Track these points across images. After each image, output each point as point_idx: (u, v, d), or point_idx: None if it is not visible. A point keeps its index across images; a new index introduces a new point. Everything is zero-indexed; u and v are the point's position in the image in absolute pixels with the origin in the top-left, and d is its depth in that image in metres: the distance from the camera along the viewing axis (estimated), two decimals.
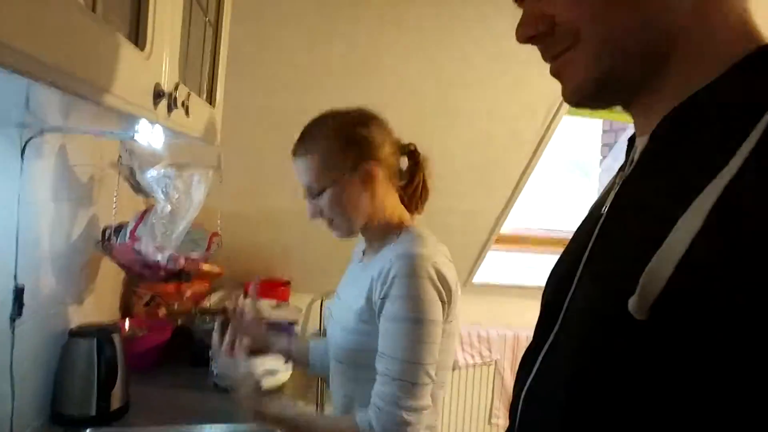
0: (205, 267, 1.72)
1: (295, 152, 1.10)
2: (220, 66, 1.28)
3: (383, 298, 0.99)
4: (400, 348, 0.95)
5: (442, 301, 0.99)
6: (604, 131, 3.36)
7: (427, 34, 1.72)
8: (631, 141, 0.54)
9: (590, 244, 0.50)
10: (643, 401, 0.37)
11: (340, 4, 1.62)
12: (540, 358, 0.51)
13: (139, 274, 1.46)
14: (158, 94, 0.78)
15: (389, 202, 1.10)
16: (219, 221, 1.59)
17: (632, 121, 0.52)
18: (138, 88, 0.72)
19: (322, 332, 2.43)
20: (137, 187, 1.48)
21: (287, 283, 2.28)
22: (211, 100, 1.26)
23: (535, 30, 0.48)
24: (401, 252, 1.01)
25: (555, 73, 0.50)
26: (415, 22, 1.68)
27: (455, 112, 1.94)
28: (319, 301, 2.48)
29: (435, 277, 0.98)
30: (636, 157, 0.49)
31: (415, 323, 0.96)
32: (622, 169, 0.53)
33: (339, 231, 1.11)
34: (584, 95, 0.48)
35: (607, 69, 0.46)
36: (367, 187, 1.06)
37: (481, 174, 2.14)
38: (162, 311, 1.73)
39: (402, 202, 1.14)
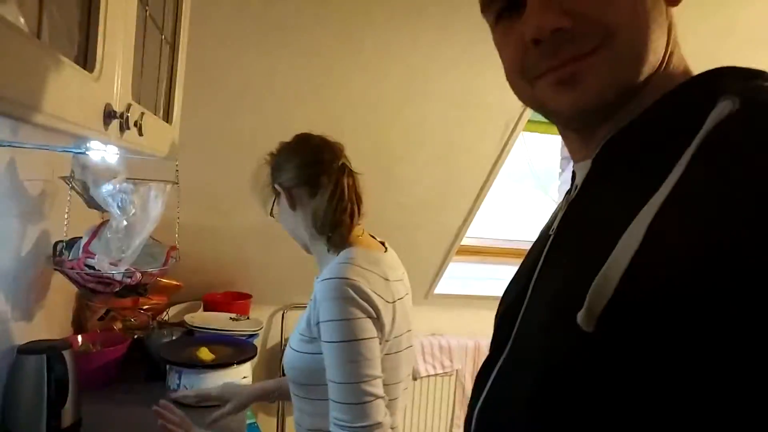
0: (163, 281, 1.71)
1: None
2: (177, 83, 1.28)
3: (317, 321, 1.02)
4: (334, 372, 0.98)
5: (370, 317, 1.01)
6: (562, 145, 3.45)
7: (386, 52, 1.75)
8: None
9: (539, 264, 0.52)
10: (599, 409, 0.38)
11: (299, 23, 1.64)
12: (493, 375, 0.53)
13: (93, 290, 1.44)
14: (109, 115, 0.78)
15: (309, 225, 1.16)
16: (177, 235, 1.58)
17: (570, 147, 0.55)
18: (87, 110, 0.73)
19: (282, 345, 2.43)
20: (91, 202, 1.46)
21: (247, 296, 2.27)
22: (168, 117, 1.26)
23: (562, 22, 0.44)
24: (326, 275, 1.04)
25: (569, 77, 0.45)
26: (373, 40, 1.71)
27: (414, 129, 1.98)
28: (280, 314, 2.47)
29: (355, 296, 0.99)
30: (579, 181, 0.52)
31: (344, 344, 0.98)
32: (568, 192, 0.57)
33: (304, 248, 1.24)
34: (603, 103, 0.46)
35: (630, 79, 0.45)
36: (306, 207, 1.15)
37: (441, 189, 2.18)
38: (117, 325, 1.71)
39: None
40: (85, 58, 0.74)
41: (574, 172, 0.57)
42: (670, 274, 0.36)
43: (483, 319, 2.67)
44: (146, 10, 1.02)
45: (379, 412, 0.96)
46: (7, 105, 0.51)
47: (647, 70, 0.45)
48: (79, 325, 1.74)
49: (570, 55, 0.45)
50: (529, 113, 1.98)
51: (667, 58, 0.47)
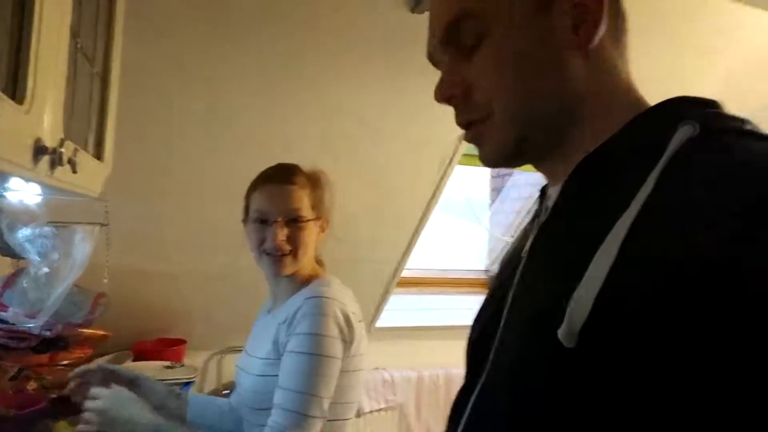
0: (88, 331, 1.56)
1: (287, 180, 1.15)
2: (109, 119, 1.21)
3: (288, 335, 1.05)
4: (295, 380, 1.00)
5: (344, 341, 1.06)
6: (492, 177, 3.58)
7: (326, 94, 1.76)
8: (543, 191, 0.59)
9: (513, 287, 0.53)
10: (582, 423, 0.40)
11: (236, 65, 1.62)
12: (472, 400, 0.53)
13: (5, 346, 1.29)
14: (39, 151, 0.72)
15: (312, 254, 1.20)
16: (106, 281, 1.46)
17: (544, 173, 0.57)
18: (15, 144, 0.66)
19: (221, 390, 2.30)
20: (6, 249, 1.33)
21: (181, 342, 2.13)
22: (99, 154, 1.18)
23: (454, 92, 0.52)
24: (310, 294, 1.08)
25: (470, 139, 0.54)
26: (311, 83, 1.72)
27: (354, 166, 1.98)
28: (216, 359, 2.34)
29: (340, 317, 1.06)
30: (550, 204, 0.54)
31: (314, 357, 1.01)
32: (537, 215, 0.59)
33: (291, 267, 1.14)
34: (500, 159, 0.54)
35: (519, 136, 0.52)
36: (320, 236, 1.19)
37: (381, 223, 2.19)
38: (32, 385, 1.53)
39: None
40: (14, 89, 0.67)
41: (542, 195, 0.59)
42: (643, 288, 0.37)
43: (424, 350, 2.68)
44: (77, 42, 0.96)
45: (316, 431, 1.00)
46: None
47: (544, 121, 0.51)
48: None
49: (465, 119, 0.53)
50: (465, 147, 2.04)
51: (591, 94, 0.50)
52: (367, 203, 2.09)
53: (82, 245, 1.39)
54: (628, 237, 0.39)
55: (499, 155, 0.53)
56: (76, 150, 0.84)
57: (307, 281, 1.16)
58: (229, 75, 1.65)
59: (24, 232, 1.31)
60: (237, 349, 2.30)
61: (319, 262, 1.24)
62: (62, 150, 0.76)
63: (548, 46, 0.50)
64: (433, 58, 0.56)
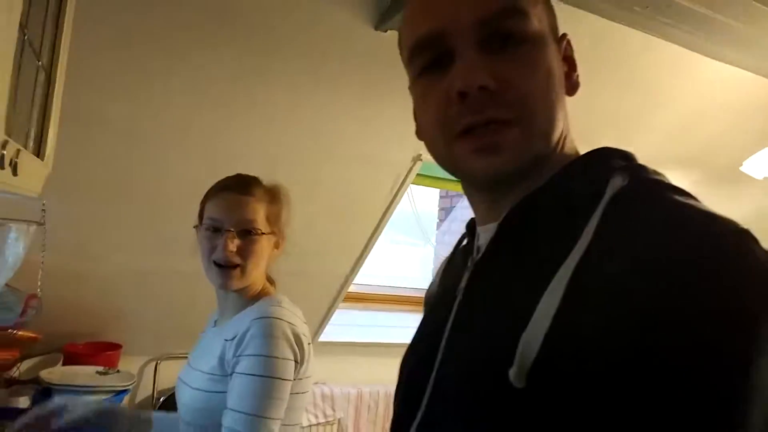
0: (18, 333, 1.50)
1: (245, 191, 1.12)
2: (52, 115, 1.18)
3: (238, 356, 1.02)
4: (247, 402, 0.98)
5: (296, 361, 1.05)
6: (441, 197, 3.65)
7: (281, 107, 1.77)
8: (470, 228, 0.61)
9: (449, 324, 0.53)
10: None
11: (193, 66, 1.59)
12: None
13: None
14: None
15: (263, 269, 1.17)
16: (39, 282, 1.41)
17: (483, 204, 0.57)
18: None
19: (154, 399, 2.23)
20: None
21: (117, 347, 2.07)
22: (39, 152, 1.14)
23: (489, 82, 0.47)
24: (260, 314, 1.06)
25: (484, 147, 0.48)
26: (267, 95, 1.72)
27: (307, 181, 1.99)
28: (153, 365, 2.28)
29: (291, 338, 1.04)
30: (485, 243, 0.54)
31: (266, 379, 0.99)
32: (468, 252, 0.59)
33: (239, 281, 1.11)
34: (513, 173, 0.49)
35: (538, 152, 0.50)
36: (273, 252, 1.17)
37: (331, 238, 2.20)
38: None
39: None
40: None
41: (471, 233, 0.60)
42: (588, 330, 0.39)
43: (366, 366, 2.69)
44: (25, 34, 0.94)
45: None
46: None
47: (552, 145, 0.51)
48: None
49: (491, 116, 0.47)
50: (419, 167, 2.09)
51: (562, 139, 0.53)
52: (318, 218, 2.10)
53: (16, 244, 1.34)
54: (573, 281, 0.41)
55: (514, 168, 0.49)
56: (18, 151, 0.82)
57: (256, 298, 1.14)
58: (180, 83, 1.63)
59: None
60: (174, 356, 2.25)
61: (269, 279, 1.21)
62: (4, 152, 0.75)
63: (561, 76, 0.52)
64: (440, 39, 0.50)
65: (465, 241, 0.63)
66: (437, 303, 0.64)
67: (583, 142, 0.55)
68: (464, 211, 3.43)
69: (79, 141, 1.60)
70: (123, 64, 1.54)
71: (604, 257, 0.41)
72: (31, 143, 1.11)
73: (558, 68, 0.52)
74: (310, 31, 1.61)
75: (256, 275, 1.13)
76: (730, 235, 0.39)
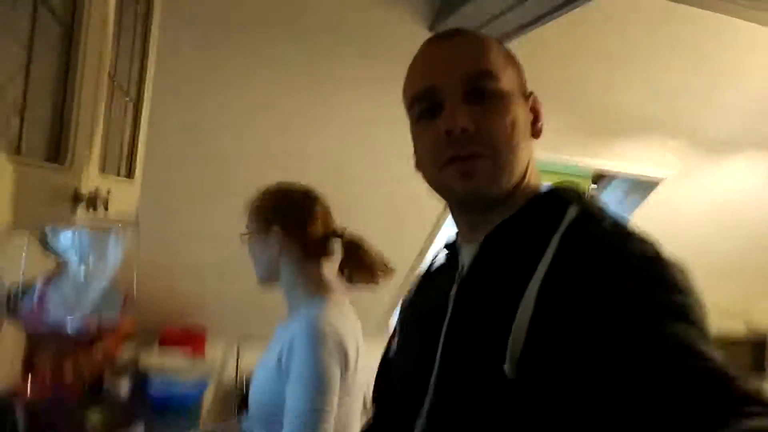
0: (119, 324, 1.70)
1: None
2: (140, 138, 1.30)
3: (287, 362, 1.07)
4: (296, 411, 1.02)
5: (341, 367, 1.08)
6: None
7: (352, 118, 1.84)
8: (451, 246, 0.74)
9: (444, 329, 0.64)
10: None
11: (268, 82, 1.70)
12: (421, 426, 0.62)
13: (45, 338, 1.43)
14: (76, 199, 0.81)
15: (307, 269, 1.20)
16: (135, 282, 1.59)
17: (467, 224, 0.70)
18: (56, 202, 0.76)
19: (237, 381, 2.43)
20: (48, 249, 1.46)
21: (202, 330, 2.27)
22: (130, 172, 1.27)
23: (468, 126, 0.61)
24: (306, 321, 1.09)
25: (462, 170, 0.62)
26: (340, 107, 1.81)
27: (369, 184, 2.07)
28: (235, 347, 2.48)
29: (334, 344, 1.07)
30: (466, 262, 0.67)
31: (310, 390, 1.03)
32: (453, 269, 0.70)
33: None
34: (483, 195, 0.63)
35: (504, 181, 0.63)
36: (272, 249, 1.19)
37: (390, 236, 2.29)
38: (68, 375, 1.68)
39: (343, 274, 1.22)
40: (57, 153, 0.76)
41: (454, 250, 0.73)
42: (557, 322, 0.52)
43: None
44: (113, 80, 1.05)
45: None
46: None
47: (515, 179, 0.64)
48: (28, 374, 1.71)
49: (469, 151, 0.62)
50: None
51: (528, 174, 0.66)
52: (380, 216, 2.19)
53: (116, 248, 1.51)
54: (542, 288, 0.54)
55: (486, 190, 0.63)
56: (109, 191, 0.93)
57: (311, 296, 1.17)
58: (248, 88, 1.73)
59: (65, 235, 1.44)
60: (257, 337, 2.43)
61: (326, 278, 1.22)
62: (96, 195, 0.86)
63: (526, 125, 0.66)
64: (434, 93, 0.64)
65: (442, 259, 0.76)
66: (424, 313, 0.72)
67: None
68: None
69: (161, 149, 1.75)
70: (203, 82, 1.66)
71: (564, 267, 0.54)
72: (122, 168, 1.24)
73: (523, 118, 0.65)
74: (370, 34, 1.69)
75: (264, 271, 1.23)
76: (649, 243, 0.55)
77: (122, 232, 1.54)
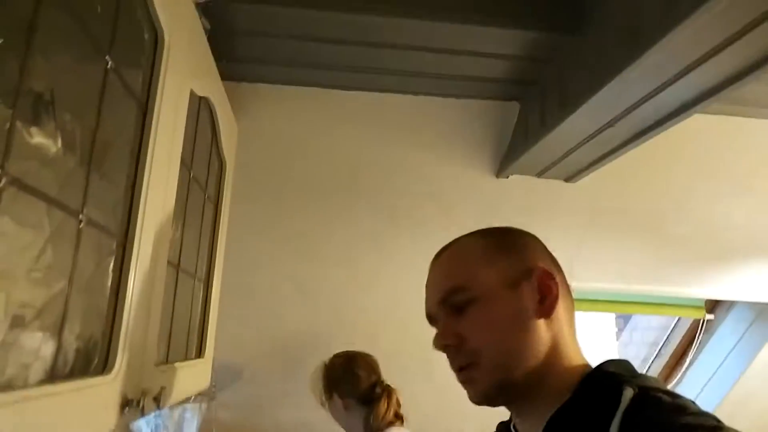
0: None
1: None
2: (210, 318, 1.34)
3: None
4: None
5: None
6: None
7: (412, 267, 1.83)
8: (506, 427, 0.74)
9: None
10: None
11: (331, 232, 1.76)
12: None
13: None
14: (125, 405, 0.81)
15: (367, 414, 1.39)
16: None
17: (515, 412, 0.71)
18: (99, 410, 0.76)
19: None
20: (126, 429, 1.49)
21: None
22: (201, 351, 1.30)
23: (449, 342, 0.68)
24: None
25: (462, 380, 0.68)
26: (401, 256, 1.83)
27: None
28: None
29: None
30: None
31: None
32: None
33: None
34: (484, 399, 0.67)
35: (500, 382, 0.65)
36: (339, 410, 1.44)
37: None
38: None
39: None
40: (105, 364, 0.78)
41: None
42: None
43: None
44: (178, 271, 1.11)
45: None
46: None
47: (524, 364, 0.64)
48: None
49: (459, 363, 0.67)
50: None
51: (552, 353, 0.65)
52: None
53: (191, 422, 1.51)
54: None
55: (484, 395, 0.66)
56: (162, 388, 0.94)
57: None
58: (319, 242, 1.81)
59: (142, 418, 1.46)
60: None
61: (398, 414, 1.40)
62: (143, 399, 0.86)
63: (520, 313, 0.66)
64: (431, 317, 0.73)
65: None
66: None
67: None
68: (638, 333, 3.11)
69: (230, 310, 1.80)
70: (267, 244, 1.74)
71: None
72: (193, 350, 1.27)
73: (510, 311, 0.67)
74: (443, 185, 1.78)
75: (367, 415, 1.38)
76: (710, 418, 0.53)
77: (198, 405, 1.55)
